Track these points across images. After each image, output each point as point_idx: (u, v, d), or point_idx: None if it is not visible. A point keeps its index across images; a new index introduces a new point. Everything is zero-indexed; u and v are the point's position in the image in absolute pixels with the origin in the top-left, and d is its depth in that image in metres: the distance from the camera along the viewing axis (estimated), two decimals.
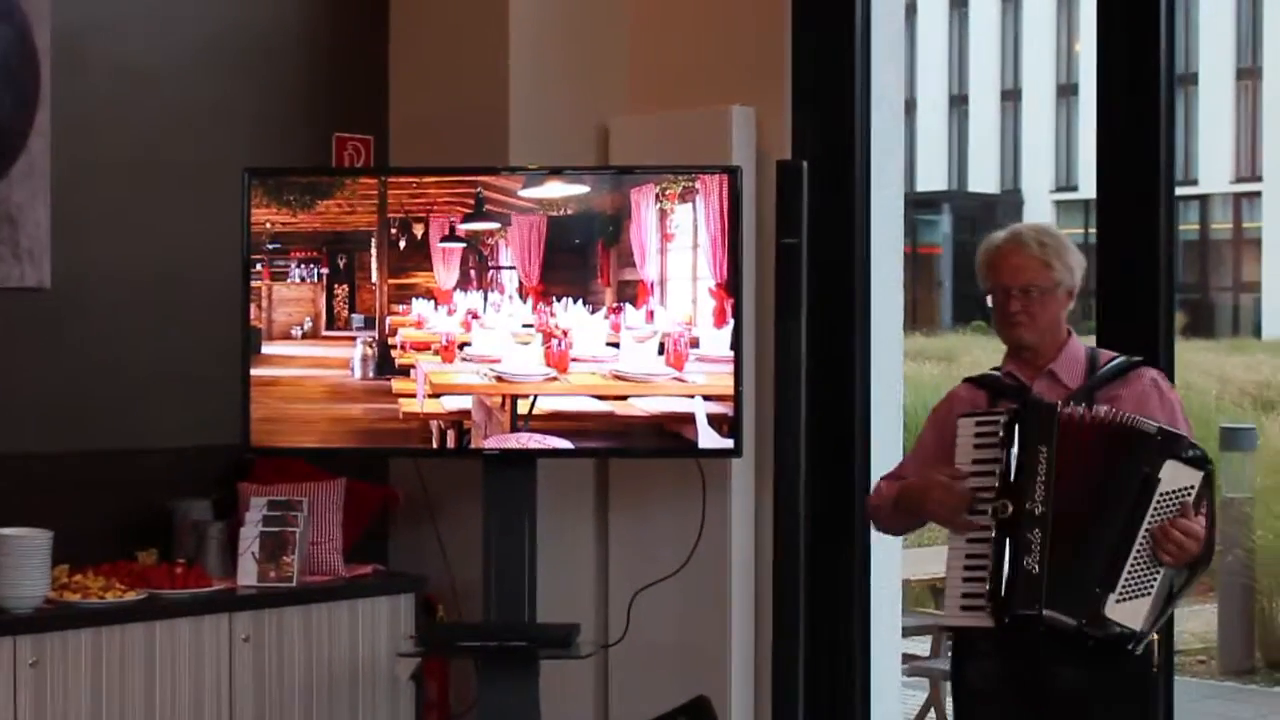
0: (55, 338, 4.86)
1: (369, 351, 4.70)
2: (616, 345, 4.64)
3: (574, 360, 4.63)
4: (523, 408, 4.64)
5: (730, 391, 4.58)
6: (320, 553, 4.91)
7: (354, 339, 4.72)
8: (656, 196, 4.64)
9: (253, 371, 4.68)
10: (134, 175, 5.00)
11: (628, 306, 4.64)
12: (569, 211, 4.69)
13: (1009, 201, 34.59)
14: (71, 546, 4.51)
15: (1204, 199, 32.06)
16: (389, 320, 4.70)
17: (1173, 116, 4.29)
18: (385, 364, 4.69)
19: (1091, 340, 3.96)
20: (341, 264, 4.73)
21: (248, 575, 4.74)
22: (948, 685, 6.92)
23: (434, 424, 4.68)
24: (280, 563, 4.74)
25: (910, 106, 32.31)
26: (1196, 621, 9.44)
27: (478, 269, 4.70)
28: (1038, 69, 34.89)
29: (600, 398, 4.63)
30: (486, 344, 4.66)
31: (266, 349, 4.72)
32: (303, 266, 4.73)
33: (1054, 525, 3.43)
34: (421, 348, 4.69)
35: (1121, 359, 3.66)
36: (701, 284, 4.62)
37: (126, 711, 4.42)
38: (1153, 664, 3.56)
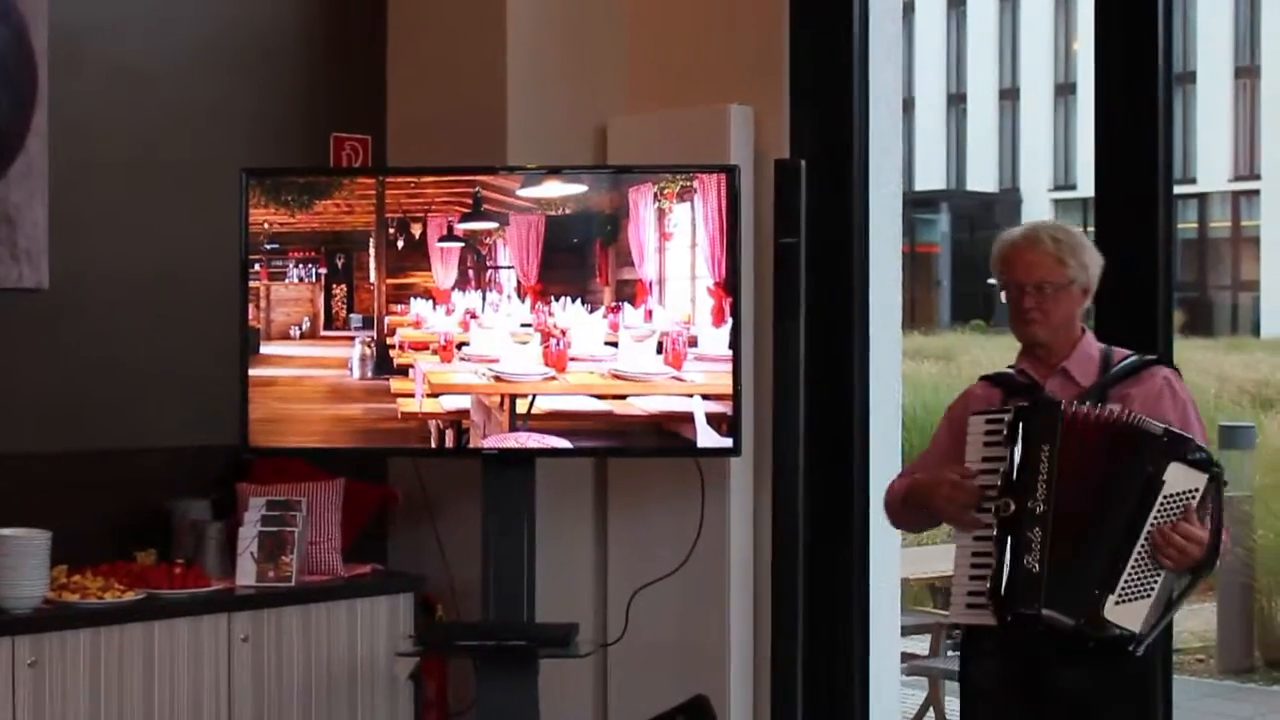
0: (53, 338, 4.86)
1: (367, 351, 4.70)
2: (615, 344, 4.64)
3: (572, 359, 4.63)
4: (521, 407, 4.64)
5: (729, 390, 4.58)
6: (319, 552, 4.91)
7: (352, 339, 4.72)
8: (655, 196, 4.64)
9: (251, 371, 4.68)
10: (132, 175, 5.00)
11: (626, 306, 4.64)
12: (567, 211, 4.69)
13: (1007, 200, 34.60)
14: (70, 546, 4.51)
15: (1202, 197, 32.07)
16: (387, 320, 4.70)
17: (1171, 115, 4.29)
18: (384, 364, 4.69)
19: None
20: (340, 264, 4.73)
21: (246, 575, 4.74)
22: (946, 684, 6.98)
23: (432, 424, 4.67)
24: (279, 563, 4.74)
25: (908, 106, 32.34)
26: (1195, 620, 9.44)
27: (476, 268, 4.69)
28: (1036, 68, 34.90)
29: (599, 397, 4.63)
30: (485, 343, 4.66)
31: (265, 349, 4.72)
32: (301, 266, 4.73)
33: (1055, 524, 3.41)
34: (420, 347, 4.68)
35: (1135, 357, 3.64)
36: (700, 283, 4.62)
37: (125, 712, 4.42)
38: (1155, 665, 3.56)
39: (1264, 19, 31.56)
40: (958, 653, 3.82)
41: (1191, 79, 31.09)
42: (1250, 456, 9.90)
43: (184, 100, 5.11)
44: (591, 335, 4.64)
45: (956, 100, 36.71)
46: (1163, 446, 3.39)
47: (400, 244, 4.70)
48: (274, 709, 4.69)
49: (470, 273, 4.69)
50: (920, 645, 7.42)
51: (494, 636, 4.57)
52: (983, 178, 35.70)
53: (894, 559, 4.99)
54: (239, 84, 5.24)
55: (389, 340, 4.69)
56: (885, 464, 4.83)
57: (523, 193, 4.68)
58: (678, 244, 4.63)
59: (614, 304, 4.65)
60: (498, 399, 4.65)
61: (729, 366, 4.58)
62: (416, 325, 4.69)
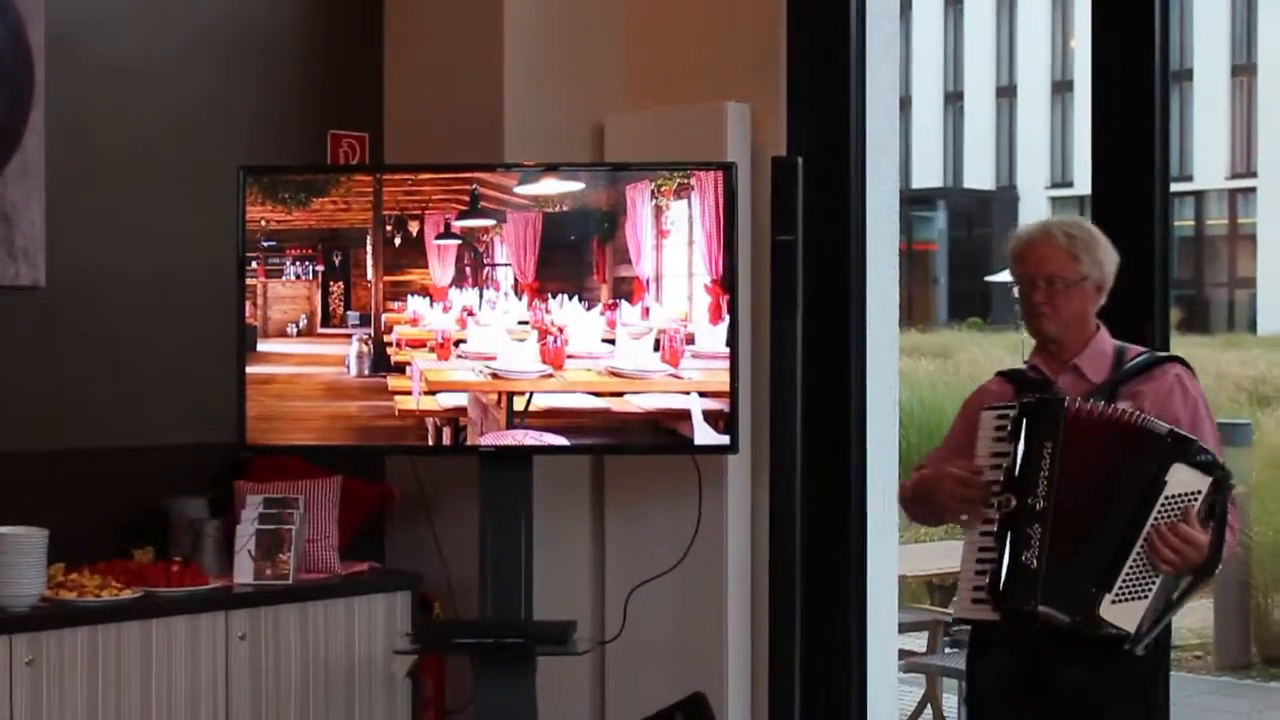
0: (50, 336, 4.86)
1: (364, 349, 4.70)
2: (612, 342, 4.63)
3: (570, 357, 4.63)
4: (519, 404, 4.63)
5: (726, 388, 4.58)
6: (316, 550, 4.91)
7: (349, 336, 4.72)
8: (652, 193, 4.64)
9: (248, 369, 4.68)
10: (129, 173, 5.00)
11: (623, 303, 4.64)
12: (564, 208, 4.69)
13: (1004, 198, 34.61)
14: (67, 544, 4.51)
15: (1199, 195, 32.11)
16: (384, 317, 4.70)
17: (1168, 113, 4.29)
18: (381, 361, 4.69)
19: None
20: (337, 261, 4.73)
21: (244, 573, 4.74)
22: (944, 681, 6.98)
23: (430, 421, 4.67)
24: (276, 560, 4.74)
25: (905, 103, 32.31)
26: (1193, 617, 9.46)
27: (473, 266, 4.69)
28: (1033, 66, 34.92)
29: (596, 394, 4.63)
30: (482, 341, 4.66)
31: (262, 346, 4.71)
32: (298, 264, 4.72)
33: (1055, 521, 3.41)
34: (417, 345, 4.68)
35: (1147, 354, 3.64)
36: (697, 280, 4.62)
37: (123, 710, 4.42)
38: (1157, 663, 3.56)
39: (1261, 17, 31.60)
40: (955, 650, 3.82)
41: (1188, 77, 31.13)
42: (1247, 454, 9.92)
43: (181, 98, 5.10)
44: (589, 333, 4.64)
45: (954, 98, 36.73)
46: (1167, 447, 3.38)
47: (397, 241, 4.70)
48: (272, 707, 4.69)
49: (467, 270, 4.69)
50: (918, 642, 7.41)
51: (492, 634, 4.56)
52: (980, 175, 35.71)
53: (891, 556, 4.99)
54: (236, 81, 5.24)
55: (386, 338, 4.69)
56: (882, 461, 4.83)
57: (520, 190, 4.68)
58: (675, 241, 4.63)
59: (611, 301, 4.64)
60: (495, 396, 4.65)
61: (726, 364, 4.58)
62: (414, 323, 4.69)
